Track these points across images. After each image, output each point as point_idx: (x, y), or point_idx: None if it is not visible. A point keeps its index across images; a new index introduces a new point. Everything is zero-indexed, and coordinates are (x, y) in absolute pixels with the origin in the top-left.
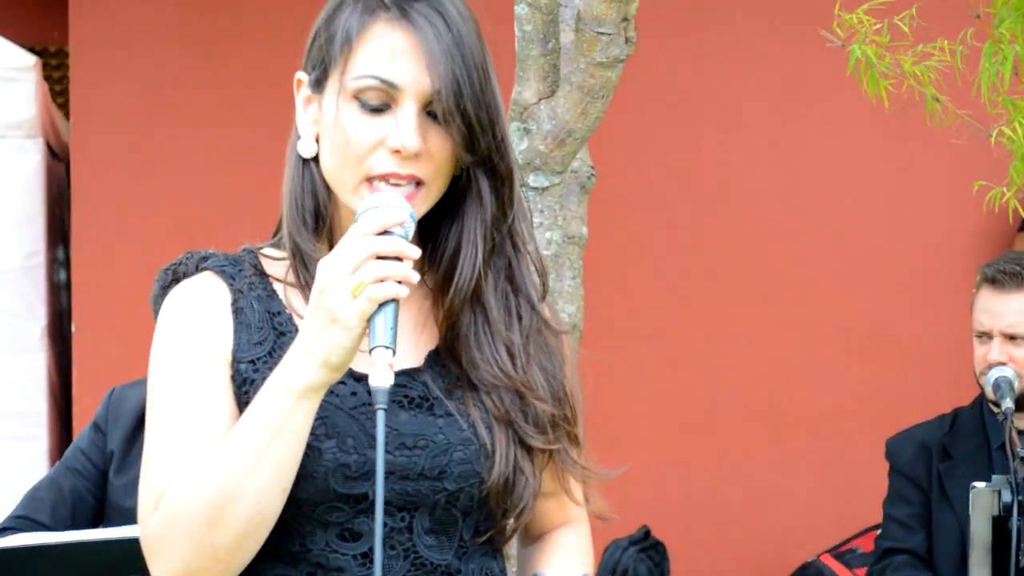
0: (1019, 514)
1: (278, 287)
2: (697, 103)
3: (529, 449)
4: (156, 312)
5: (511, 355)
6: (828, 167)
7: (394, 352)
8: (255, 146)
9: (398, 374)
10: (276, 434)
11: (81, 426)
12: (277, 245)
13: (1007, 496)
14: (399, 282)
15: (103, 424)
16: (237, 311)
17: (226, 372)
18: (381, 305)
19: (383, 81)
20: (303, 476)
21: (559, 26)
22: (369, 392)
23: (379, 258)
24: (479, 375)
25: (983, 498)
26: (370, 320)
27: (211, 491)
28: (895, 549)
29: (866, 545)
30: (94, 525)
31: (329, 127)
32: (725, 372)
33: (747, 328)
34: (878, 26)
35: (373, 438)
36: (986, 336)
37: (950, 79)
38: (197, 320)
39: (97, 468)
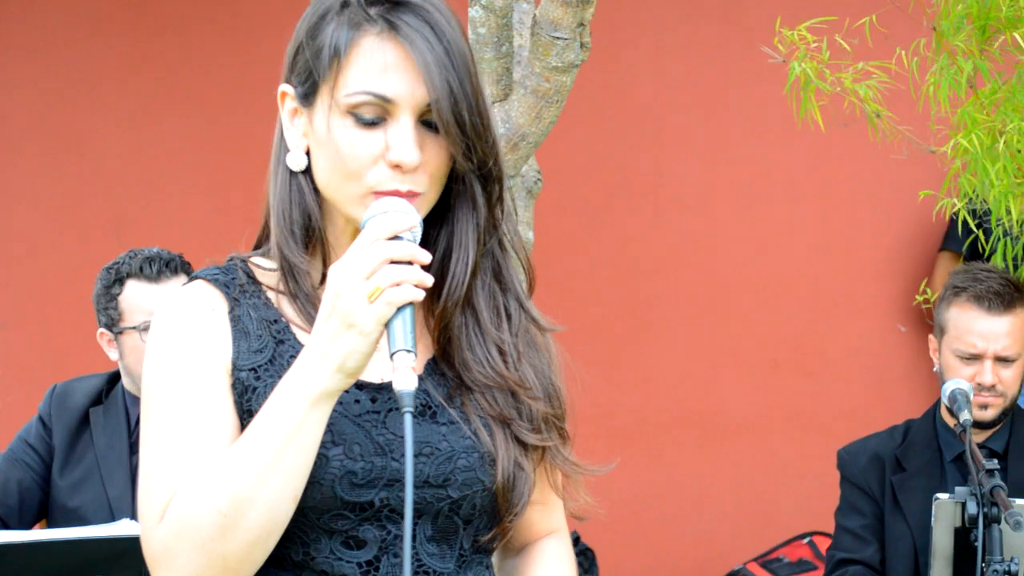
0: (983, 525)
1: (271, 295)
2: (637, 113)
3: (525, 446)
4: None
5: (503, 354)
6: (758, 181)
7: (415, 355)
8: (185, 142)
9: None
10: (289, 441)
11: (5, 421)
12: (265, 255)
13: (972, 508)
14: (415, 286)
15: (47, 419)
16: (234, 319)
17: (226, 381)
18: (398, 310)
19: (377, 96)
20: (309, 483)
21: (512, 30)
22: (373, 399)
23: (392, 263)
24: (472, 376)
25: (946, 509)
26: (388, 325)
27: (223, 500)
28: (848, 560)
29: (791, 554)
30: (38, 519)
31: (323, 142)
32: (655, 379)
33: (677, 336)
34: (816, 44)
35: (380, 445)
36: (976, 358)
37: (893, 95)
38: (194, 329)
39: (44, 462)
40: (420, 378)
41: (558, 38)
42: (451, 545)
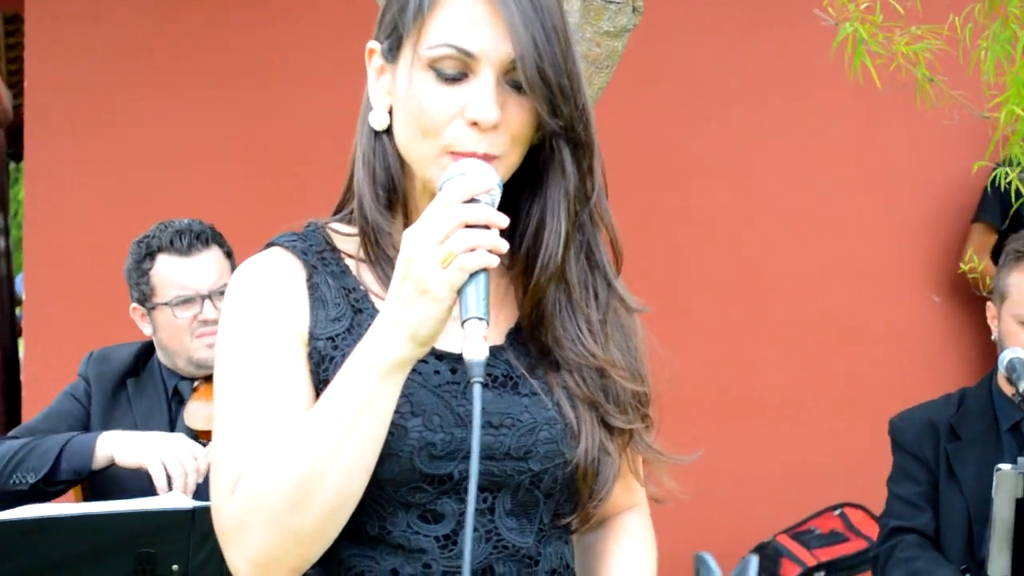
0: None
1: (350, 263)
2: (674, 81)
3: (611, 430)
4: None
5: (592, 333)
6: (795, 152)
7: (487, 324)
8: (214, 118)
9: None
10: (362, 412)
11: (31, 393)
12: (345, 220)
13: None
14: (489, 251)
15: (88, 379)
16: (312, 287)
17: (303, 350)
18: (472, 276)
19: (459, 50)
20: (387, 455)
21: None
22: (453, 370)
23: (468, 227)
24: (563, 354)
25: (1008, 480)
26: (460, 292)
27: (294, 473)
28: (903, 528)
29: (823, 526)
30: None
31: (403, 98)
32: (692, 354)
33: (718, 313)
34: (866, 5)
35: (459, 416)
36: None
37: (943, 60)
38: (270, 297)
39: (88, 416)
40: (501, 348)
41: (611, 2)
42: (531, 519)
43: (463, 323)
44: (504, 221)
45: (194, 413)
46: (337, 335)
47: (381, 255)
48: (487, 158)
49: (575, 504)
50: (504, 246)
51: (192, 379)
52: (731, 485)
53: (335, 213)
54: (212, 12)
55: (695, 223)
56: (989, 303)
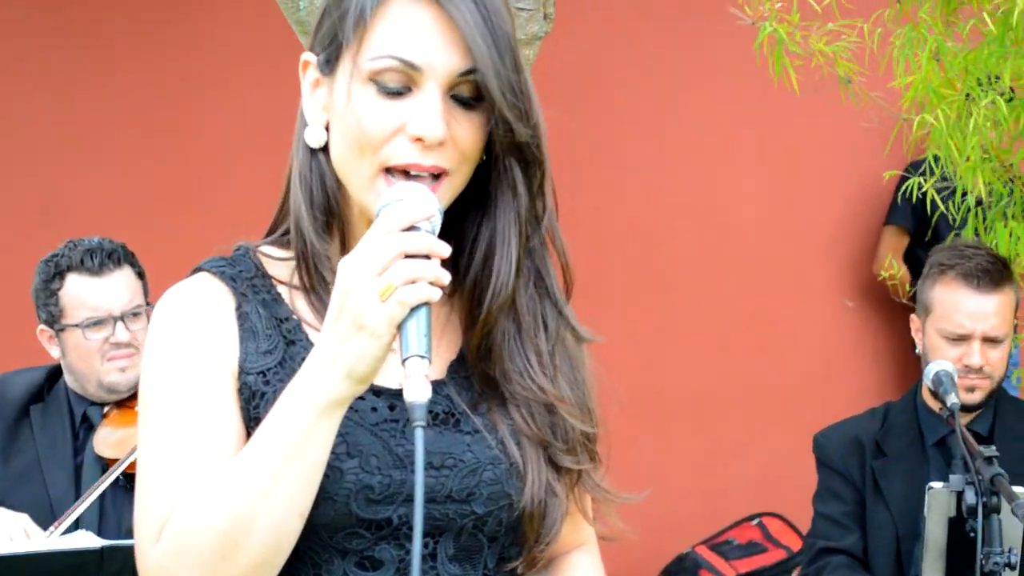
0: (974, 515)
1: (282, 290)
2: (587, 84)
3: (559, 469)
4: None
5: (541, 366)
6: (706, 153)
7: (430, 361)
8: (117, 120)
9: None
10: (296, 453)
11: None
12: (278, 243)
13: (971, 498)
14: (431, 283)
15: None
16: (241, 317)
17: (232, 385)
18: (412, 310)
19: (403, 62)
20: (322, 499)
21: None
22: (391, 407)
23: (407, 257)
24: (511, 388)
25: (940, 499)
26: (400, 327)
27: (223, 518)
28: (830, 548)
29: (741, 536)
30: None
31: (341, 113)
32: (603, 363)
33: (628, 319)
34: (780, 4)
35: (399, 457)
36: (963, 339)
37: (861, 60)
38: (197, 327)
39: None
40: (442, 382)
41: (521, 9)
42: (474, 564)
43: (403, 361)
44: (446, 250)
45: (104, 440)
46: (268, 369)
47: (318, 281)
48: (437, 171)
49: (521, 547)
50: (447, 277)
51: (102, 404)
52: (650, 497)
53: (267, 235)
54: (116, 9)
55: (607, 227)
56: (913, 316)
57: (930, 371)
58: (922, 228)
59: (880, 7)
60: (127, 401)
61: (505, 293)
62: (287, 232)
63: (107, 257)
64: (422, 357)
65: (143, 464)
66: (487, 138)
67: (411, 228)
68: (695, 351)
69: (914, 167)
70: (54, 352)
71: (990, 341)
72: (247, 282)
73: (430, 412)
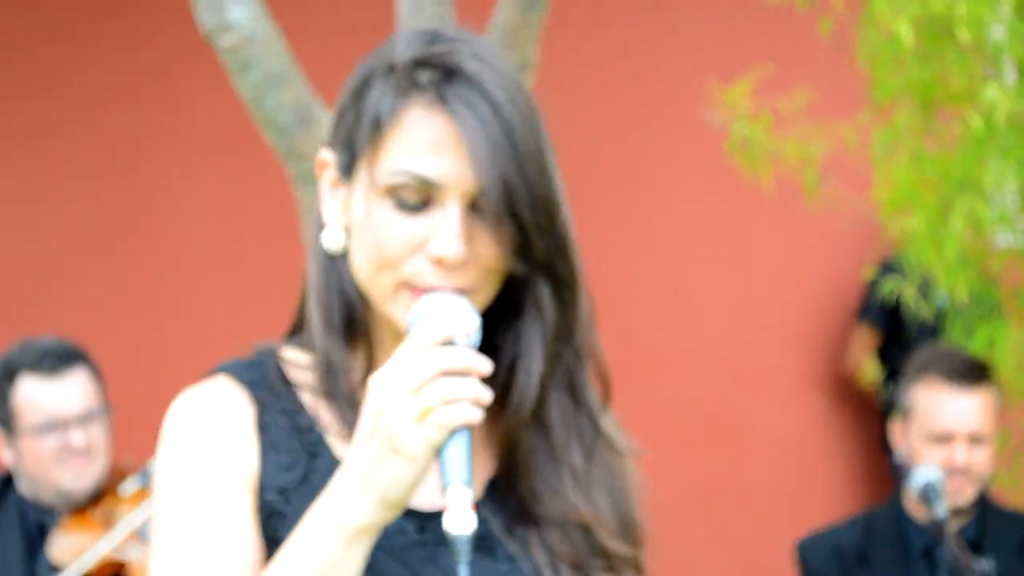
0: None
1: (305, 398)
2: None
3: None
4: None
5: (575, 483)
6: (674, 246)
7: (472, 489)
8: (77, 220)
9: None
10: None
11: None
12: (299, 346)
13: None
14: (472, 403)
15: None
16: (262, 428)
17: (251, 503)
18: (453, 432)
19: (419, 179)
20: None
21: None
22: (421, 528)
23: (446, 374)
24: (543, 509)
25: None
26: (440, 451)
27: None
28: None
29: None
30: None
31: (360, 223)
32: None
33: None
34: (750, 106)
35: None
36: (948, 439)
37: (836, 160)
38: (214, 439)
39: None
40: (479, 503)
41: None
42: None
43: (444, 489)
44: (486, 367)
45: (60, 546)
46: (289, 487)
47: (338, 391)
48: (460, 291)
49: None
50: (488, 397)
51: (56, 511)
52: None
53: (289, 335)
54: (76, 100)
55: None
56: (891, 421)
57: (917, 480)
58: (894, 326)
59: (854, 110)
60: (83, 507)
61: (525, 408)
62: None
63: (61, 358)
64: (465, 485)
65: None
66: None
67: (448, 343)
68: (663, 447)
69: (886, 268)
70: (7, 457)
71: (975, 441)
72: (267, 389)
73: None
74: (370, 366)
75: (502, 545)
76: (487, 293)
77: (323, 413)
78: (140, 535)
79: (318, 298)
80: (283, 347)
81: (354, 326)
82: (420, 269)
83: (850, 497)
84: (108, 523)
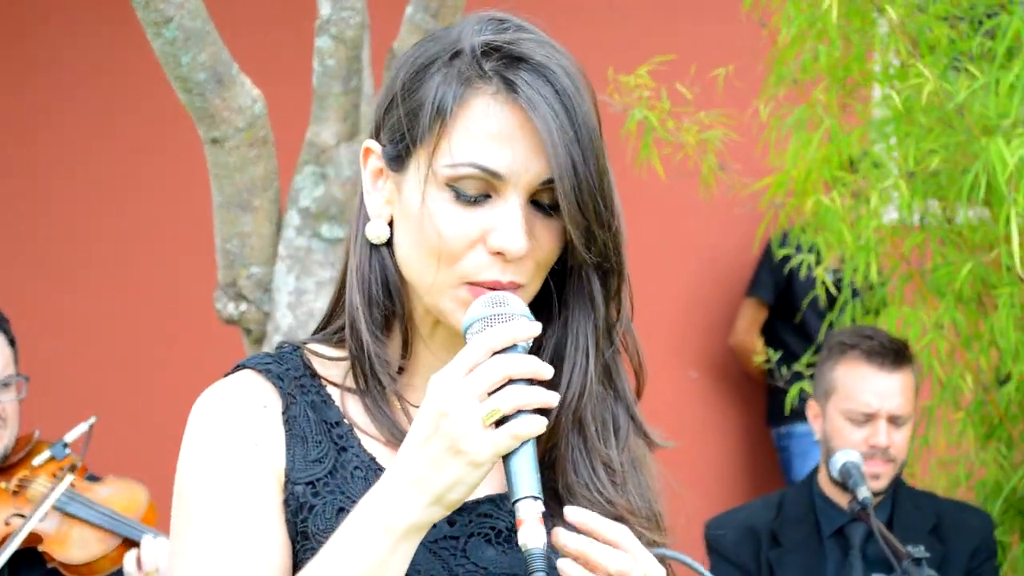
0: None
1: (333, 392)
2: None
3: None
4: None
5: (610, 475)
6: None
7: (544, 502)
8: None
9: (482, 501)
10: None
11: None
12: (329, 342)
13: None
14: (538, 410)
15: None
16: (289, 420)
17: (278, 496)
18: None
19: (485, 170)
20: None
21: (362, 63)
22: (451, 523)
23: (511, 381)
24: (576, 503)
25: None
26: (507, 463)
27: None
28: None
29: None
30: None
31: (413, 215)
32: None
33: None
34: (648, 93)
35: None
36: (869, 419)
37: (736, 147)
38: (241, 431)
39: None
40: (504, 497)
41: None
42: None
43: (514, 503)
44: (550, 373)
45: None
46: (318, 479)
47: (374, 385)
48: (512, 287)
49: None
50: (555, 401)
51: None
52: None
53: (318, 331)
54: None
55: None
56: (811, 402)
57: (837, 461)
58: (781, 302)
59: (752, 96)
60: None
61: (574, 407)
62: (339, 330)
63: None
64: (536, 498)
65: None
66: (567, 242)
67: (511, 347)
68: None
69: (782, 245)
70: None
71: (894, 421)
72: (295, 382)
73: (492, 528)
74: (405, 359)
75: None
76: (536, 286)
77: (351, 407)
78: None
79: (360, 288)
80: (310, 343)
81: (392, 317)
82: (479, 262)
83: (732, 471)
84: (20, 492)
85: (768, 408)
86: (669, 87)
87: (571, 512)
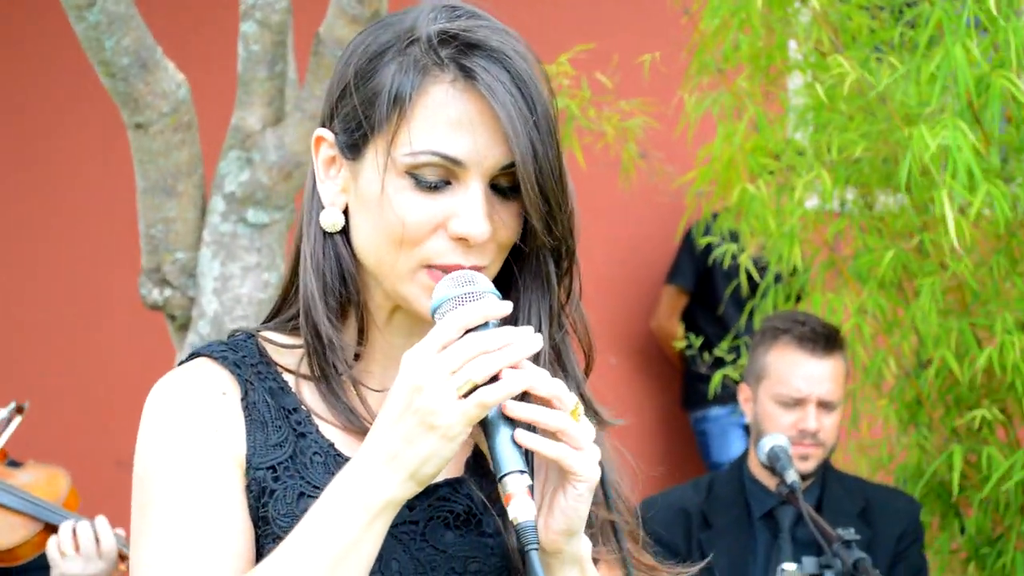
0: None
1: (289, 379)
2: None
3: None
4: None
5: None
6: None
7: (531, 476)
8: None
9: (440, 485)
10: (343, 559)
11: None
12: (282, 329)
13: None
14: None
15: None
16: (248, 406)
17: (240, 482)
18: (505, 420)
19: (447, 158)
20: None
21: (287, 48)
22: (410, 507)
23: (485, 354)
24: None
25: None
26: (490, 437)
27: None
28: None
29: None
30: None
31: (371, 203)
32: None
33: None
34: (569, 81)
35: (420, 563)
36: (799, 403)
37: (658, 135)
38: (200, 419)
39: None
40: (461, 480)
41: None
42: None
43: (501, 478)
44: (536, 348)
45: None
46: (279, 463)
47: (330, 372)
48: (474, 271)
49: None
50: (533, 351)
51: None
52: None
53: (268, 319)
54: None
55: None
56: (742, 385)
57: (765, 445)
58: (701, 289)
59: (674, 86)
60: None
61: None
62: (292, 318)
63: None
64: (522, 472)
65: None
66: (525, 226)
67: (482, 324)
68: None
69: (705, 233)
70: None
71: (824, 406)
72: (251, 369)
73: (451, 512)
74: (361, 344)
75: (489, 518)
76: (496, 268)
77: (307, 394)
78: None
79: (316, 275)
80: (261, 330)
81: (347, 304)
82: (440, 247)
83: (651, 454)
84: None
85: (685, 392)
86: (590, 76)
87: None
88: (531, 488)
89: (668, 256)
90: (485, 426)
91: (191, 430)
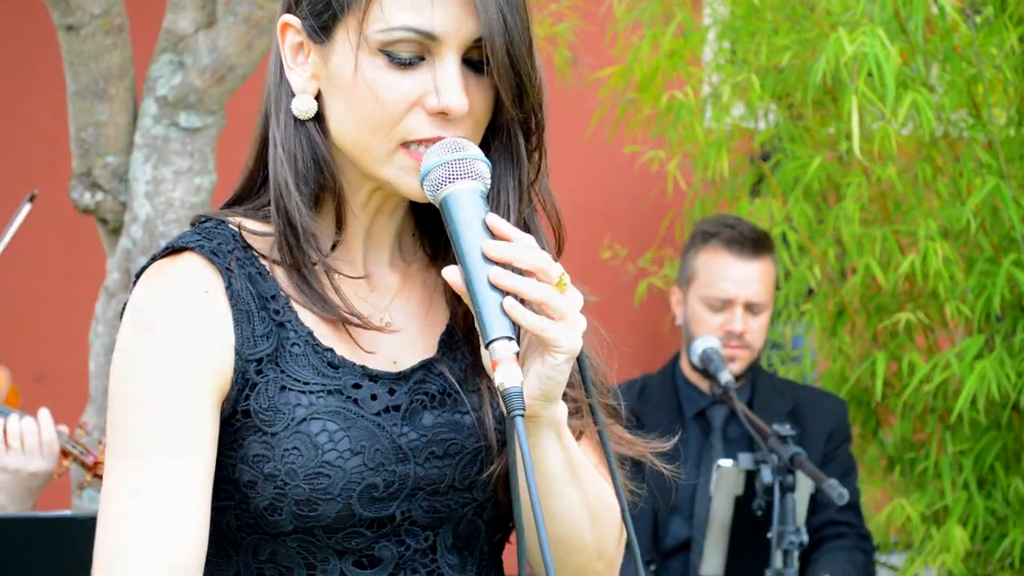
0: (769, 493)
1: (265, 264)
2: None
3: None
4: None
5: None
6: None
7: (518, 342)
8: None
9: (416, 368)
10: None
11: None
12: (252, 217)
13: (767, 477)
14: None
15: None
16: (233, 296)
17: (217, 390)
18: (493, 289)
19: (420, 32)
20: (323, 500)
21: None
22: (391, 392)
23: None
24: None
25: (728, 478)
26: (477, 304)
27: None
28: None
29: None
30: None
31: (345, 85)
32: None
33: None
34: None
35: (401, 449)
36: (726, 305)
37: (588, 41)
38: (185, 323)
39: None
40: (435, 360)
41: None
42: (472, 551)
43: (487, 344)
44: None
45: None
46: (265, 356)
47: (304, 259)
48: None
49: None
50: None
51: None
52: None
53: (229, 205)
54: None
55: None
56: (674, 288)
57: (697, 347)
58: None
59: None
60: None
61: None
62: (264, 206)
63: None
64: (509, 339)
65: (114, 478)
66: (498, 100)
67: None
68: None
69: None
70: None
71: (751, 308)
72: (230, 255)
73: (426, 393)
74: (340, 232)
75: (463, 397)
76: (475, 143)
77: (282, 279)
78: None
79: (290, 164)
80: (233, 216)
81: (322, 191)
82: (419, 123)
83: None
84: None
85: None
86: None
87: (490, 217)
88: (518, 355)
89: None
90: (473, 294)
91: (170, 339)
